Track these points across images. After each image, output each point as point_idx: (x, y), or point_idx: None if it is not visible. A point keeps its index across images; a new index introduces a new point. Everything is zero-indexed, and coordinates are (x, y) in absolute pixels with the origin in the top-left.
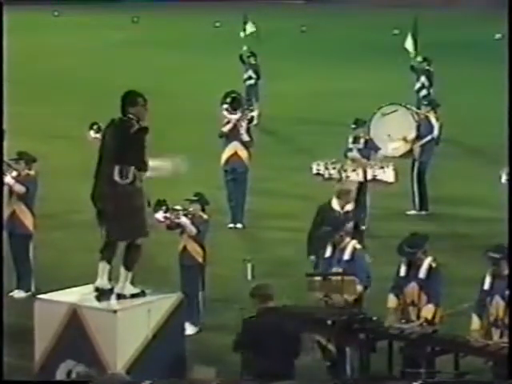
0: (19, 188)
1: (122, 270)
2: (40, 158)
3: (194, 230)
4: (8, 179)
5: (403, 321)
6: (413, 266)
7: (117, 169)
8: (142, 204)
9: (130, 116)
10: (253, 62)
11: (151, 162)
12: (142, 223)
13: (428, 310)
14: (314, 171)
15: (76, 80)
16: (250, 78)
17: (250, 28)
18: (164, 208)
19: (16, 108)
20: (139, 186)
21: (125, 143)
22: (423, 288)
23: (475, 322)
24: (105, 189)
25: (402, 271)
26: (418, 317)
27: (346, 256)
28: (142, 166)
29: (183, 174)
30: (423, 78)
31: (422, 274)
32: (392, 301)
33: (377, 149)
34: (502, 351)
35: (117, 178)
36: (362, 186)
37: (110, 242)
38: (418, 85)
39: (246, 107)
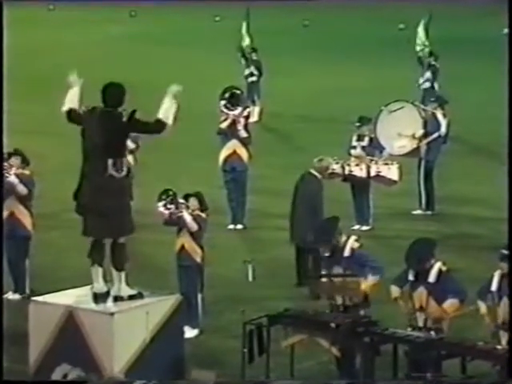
0: (22, 189)
1: (114, 271)
2: (37, 155)
3: (195, 226)
4: (12, 179)
5: (409, 329)
6: (422, 271)
7: (110, 162)
8: (129, 200)
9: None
10: (254, 57)
11: (161, 114)
12: (130, 219)
13: (451, 304)
14: None
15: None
16: (251, 74)
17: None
18: (169, 199)
19: (13, 105)
20: (131, 180)
21: (117, 135)
22: (432, 293)
23: (482, 307)
24: (97, 184)
25: (411, 275)
26: (426, 323)
27: (346, 253)
28: (160, 128)
29: (184, 172)
30: (428, 74)
31: (432, 278)
32: (395, 291)
33: (381, 148)
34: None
35: (112, 171)
36: (364, 184)
37: (96, 244)
38: (422, 79)
39: (245, 103)
